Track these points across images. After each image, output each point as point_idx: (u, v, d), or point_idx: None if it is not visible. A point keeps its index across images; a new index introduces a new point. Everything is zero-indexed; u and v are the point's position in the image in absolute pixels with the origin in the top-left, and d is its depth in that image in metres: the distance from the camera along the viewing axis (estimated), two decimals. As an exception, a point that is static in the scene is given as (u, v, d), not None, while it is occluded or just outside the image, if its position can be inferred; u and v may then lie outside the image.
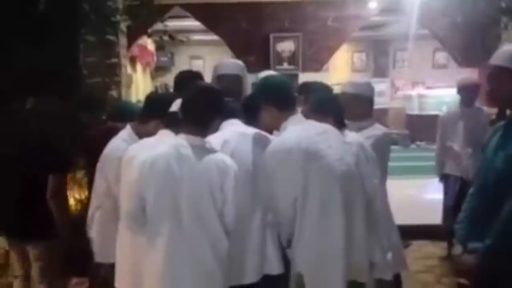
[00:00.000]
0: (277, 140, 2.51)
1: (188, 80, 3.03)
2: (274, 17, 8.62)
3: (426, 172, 7.24)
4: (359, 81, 3.65)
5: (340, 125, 2.73)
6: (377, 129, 3.27)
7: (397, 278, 3.27)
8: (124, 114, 3.36)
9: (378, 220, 2.65)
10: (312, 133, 2.45)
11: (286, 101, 2.58)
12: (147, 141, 2.61)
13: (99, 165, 3.03)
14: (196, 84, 2.51)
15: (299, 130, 2.46)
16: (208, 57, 12.94)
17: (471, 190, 2.59)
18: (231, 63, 3.62)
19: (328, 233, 2.35)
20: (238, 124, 2.71)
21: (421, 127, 10.65)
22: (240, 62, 3.59)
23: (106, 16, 3.63)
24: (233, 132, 2.60)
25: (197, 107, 2.36)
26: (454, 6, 6.07)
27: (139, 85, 10.64)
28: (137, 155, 2.41)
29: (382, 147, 3.10)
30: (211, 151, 2.36)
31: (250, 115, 2.83)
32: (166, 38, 5.94)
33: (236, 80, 3.39)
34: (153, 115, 2.81)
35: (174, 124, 2.53)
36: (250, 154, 2.54)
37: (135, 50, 9.71)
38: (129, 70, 9.78)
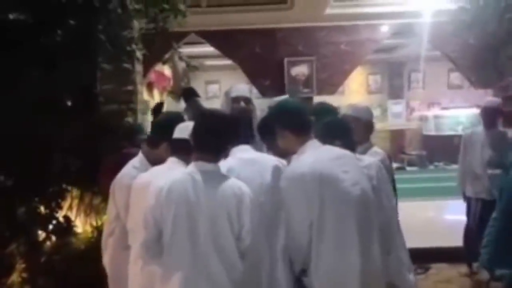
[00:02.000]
0: (292, 165, 2.52)
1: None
2: (287, 41, 8.73)
3: (445, 193, 7.20)
4: (359, 104, 3.74)
5: (349, 149, 2.76)
6: (375, 154, 3.31)
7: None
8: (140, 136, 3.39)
9: (395, 240, 2.66)
10: (327, 158, 2.48)
11: (302, 126, 2.58)
12: (157, 169, 2.64)
13: (111, 191, 3.05)
14: (207, 110, 2.50)
15: (314, 155, 2.48)
16: (224, 82, 13.08)
17: (494, 214, 2.57)
18: (243, 86, 3.77)
19: (345, 257, 2.36)
20: (246, 150, 2.67)
21: (438, 148, 10.60)
22: (247, 85, 3.74)
23: (121, 46, 3.74)
24: (237, 160, 2.58)
25: (210, 134, 2.35)
26: (465, 27, 6.09)
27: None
28: (150, 182, 2.41)
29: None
30: (226, 177, 2.36)
31: (265, 136, 2.86)
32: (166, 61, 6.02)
33: (249, 102, 3.52)
34: (162, 138, 2.79)
35: (181, 150, 2.56)
36: (256, 180, 2.51)
37: (152, 76, 9.87)
38: (146, 96, 9.98)
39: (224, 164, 2.49)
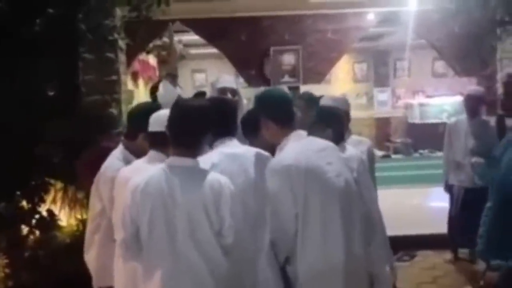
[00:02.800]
0: (277, 158, 2.51)
1: None
2: (273, 30, 8.67)
3: (430, 180, 7.24)
4: (336, 95, 3.79)
5: (339, 138, 2.76)
6: (359, 143, 3.43)
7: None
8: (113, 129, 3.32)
9: (376, 232, 2.69)
10: (311, 150, 2.48)
11: (285, 117, 2.56)
12: (138, 163, 2.61)
13: (94, 185, 2.98)
14: (180, 102, 2.39)
15: (298, 147, 2.48)
16: (211, 71, 12.99)
17: (488, 204, 2.60)
18: (230, 77, 3.75)
19: (329, 247, 2.39)
20: (230, 144, 2.61)
21: (423, 136, 10.65)
22: (234, 76, 3.73)
23: (103, 35, 3.67)
24: (220, 154, 2.51)
25: (183, 127, 2.28)
26: (450, 16, 6.10)
27: (141, 100, 10.67)
28: (130, 178, 2.37)
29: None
30: (204, 172, 2.31)
31: (248, 131, 2.83)
32: (164, 53, 5.97)
33: (235, 93, 3.51)
34: (138, 129, 2.75)
35: (159, 143, 2.52)
36: (240, 175, 2.47)
37: (136, 65, 9.77)
38: (130, 85, 9.88)
39: (207, 160, 2.43)
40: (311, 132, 2.63)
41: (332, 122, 2.81)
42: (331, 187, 2.41)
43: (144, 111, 2.71)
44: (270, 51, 8.70)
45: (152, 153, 2.57)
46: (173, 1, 5.23)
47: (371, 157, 3.54)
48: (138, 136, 2.79)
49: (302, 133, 2.58)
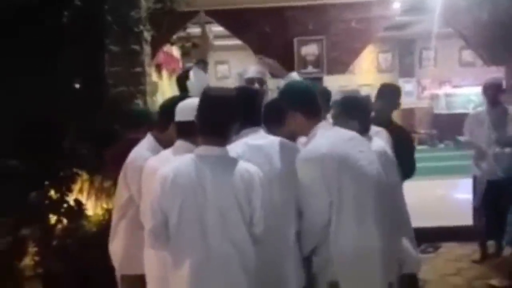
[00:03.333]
0: (308, 147, 2.52)
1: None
2: (297, 20, 8.62)
3: (455, 171, 7.15)
4: (349, 89, 3.82)
5: (364, 129, 2.77)
6: (376, 133, 3.37)
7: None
8: (141, 122, 3.33)
9: (403, 221, 2.70)
10: (342, 139, 2.52)
11: (313, 109, 2.58)
12: (164, 154, 2.62)
13: (121, 174, 3.01)
14: (208, 91, 2.38)
15: (329, 136, 2.50)
16: (233, 62, 13.01)
17: None
18: (258, 67, 3.75)
19: (364, 234, 2.43)
20: (255, 135, 2.60)
21: (449, 126, 10.48)
22: (262, 66, 3.70)
23: (129, 27, 3.69)
24: (244, 145, 2.51)
25: (213, 116, 2.28)
26: (478, 4, 5.98)
27: (165, 92, 10.76)
28: (157, 168, 2.37)
29: None
30: (234, 161, 2.31)
31: (273, 120, 2.84)
32: (188, 45, 5.99)
33: (264, 83, 3.52)
34: (169, 120, 2.75)
35: (186, 133, 2.53)
36: (265, 166, 2.46)
37: (160, 57, 9.82)
38: (154, 77, 9.95)
39: (231, 150, 2.42)
40: (335, 124, 2.64)
41: (357, 113, 2.81)
42: (364, 175, 2.45)
43: (176, 102, 2.72)
44: (294, 42, 8.65)
45: (179, 142, 2.58)
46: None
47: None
48: (169, 127, 2.80)
49: (329, 123, 2.59)
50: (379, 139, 2.95)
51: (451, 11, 8.00)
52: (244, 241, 2.24)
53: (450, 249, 5.59)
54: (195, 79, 3.33)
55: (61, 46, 3.17)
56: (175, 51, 11.28)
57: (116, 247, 3.08)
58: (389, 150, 2.94)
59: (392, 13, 8.82)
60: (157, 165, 2.45)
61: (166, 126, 2.84)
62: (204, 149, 2.28)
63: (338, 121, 2.77)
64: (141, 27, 3.89)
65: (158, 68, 10.39)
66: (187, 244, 2.21)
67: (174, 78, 12.12)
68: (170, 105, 2.83)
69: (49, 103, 3.33)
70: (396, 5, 8.65)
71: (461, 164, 5.64)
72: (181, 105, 2.60)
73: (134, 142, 3.06)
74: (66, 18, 2.94)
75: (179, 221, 2.20)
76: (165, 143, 2.83)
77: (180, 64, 12.33)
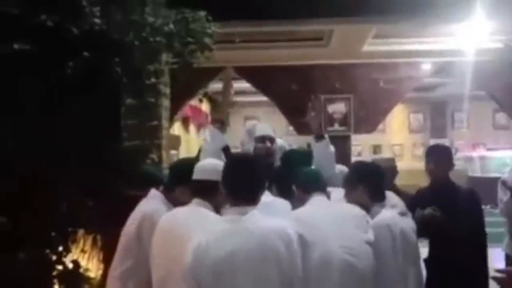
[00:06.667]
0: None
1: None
2: (324, 78, 8.57)
3: (492, 239, 6.73)
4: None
5: (376, 197, 2.58)
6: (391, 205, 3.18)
7: None
8: (150, 182, 3.20)
9: None
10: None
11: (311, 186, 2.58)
12: (182, 211, 2.51)
13: (134, 233, 2.79)
14: (239, 155, 2.47)
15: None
16: (263, 118, 13.07)
17: None
18: (267, 125, 3.65)
19: None
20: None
21: (483, 190, 10.06)
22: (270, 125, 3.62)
23: (142, 80, 3.65)
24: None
25: (246, 179, 2.21)
26: (509, 66, 5.83)
27: (192, 146, 10.77)
28: (172, 226, 2.35)
29: None
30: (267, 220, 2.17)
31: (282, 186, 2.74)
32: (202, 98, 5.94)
33: (274, 142, 3.40)
34: (179, 182, 2.73)
35: (204, 191, 2.47)
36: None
37: (188, 111, 9.91)
38: (178, 131, 9.98)
39: None
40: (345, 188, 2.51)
41: (367, 178, 2.63)
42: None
43: (186, 164, 2.73)
44: (321, 99, 8.58)
45: (196, 201, 2.48)
46: (223, 49, 5.25)
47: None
48: (176, 189, 2.76)
49: (322, 199, 2.54)
50: (390, 210, 2.68)
51: (482, 73, 7.83)
52: None
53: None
54: (211, 139, 3.22)
55: (63, 98, 3.11)
56: (204, 106, 11.40)
57: None
58: (400, 223, 2.63)
59: (422, 74, 8.72)
60: (171, 223, 2.42)
61: (173, 188, 2.80)
62: (238, 211, 2.18)
63: (348, 187, 2.61)
64: (153, 80, 3.84)
65: (185, 122, 10.46)
66: None
67: (201, 132, 12.25)
68: (180, 167, 2.82)
69: (49, 158, 3.20)
70: (426, 67, 8.55)
71: (497, 231, 5.25)
72: (200, 164, 2.59)
73: (137, 200, 2.94)
74: (70, 69, 2.89)
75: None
76: (172, 202, 2.76)
77: (209, 119, 12.43)
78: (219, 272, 2.04)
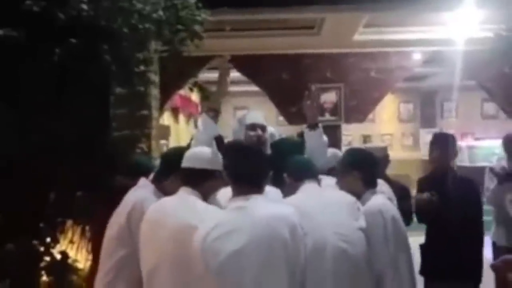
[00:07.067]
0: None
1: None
2: (315, 68, 8.54)
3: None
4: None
5: (369, 184, 2.56)
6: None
7: None
8: (141, 171, 3.16)
9: None
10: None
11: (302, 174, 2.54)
12: (169, 201, 2.45)
13: (123, 224, 2.70)
14: (237, 144, 2.48)
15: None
16: (253, 108, 13.00)
17: None
18: (259, 113, 3.57)
19: None
20: None
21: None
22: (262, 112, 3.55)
23: (131, 68, 3.58)
24: None
25: (253, 167, 2.21)
26: (500, 56, 5.83)
27: (181, 136, 10.71)
28: (160, 217, 2.30)
29: None
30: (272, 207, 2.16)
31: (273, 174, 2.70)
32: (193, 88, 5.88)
33: (265, 130, 3.34)
34: (170, 171, 2.69)
35: (193, 180, 2.43)
36: None
37: (177, 101, 9.82)
38: (168, 121, 9.91)
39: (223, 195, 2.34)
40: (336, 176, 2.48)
41: (362, 164, 2.61)
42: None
43: (177, 153, 2.67)
44: (311, 88, 8.53)
45: (185, 189, 2.44)
46: (213, 37, 5.18)
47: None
48: (168, 178, 2.72)
49: (313, 186, 2.51)
50: (381, 196, 2.66)
51: (473, 63, 7.84)
52: None
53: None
54: (203, 128, 3.16)
55: (51, 86, 3.03)
56: (194, 96, 11.31)
57: None
58: (391, 210, 2.61)
59: (412, 64, 8.72)
60: (160, 214, 2.36)
61: (166, 177, 2.75)
62: (244, 199, 2.16)
63: (342, 173, 2.58)
64: (141, 68, 3.76)
65: (175, 111, 10.38)
66: None
67: (191, 122, 12.17)
68: (172, 156, 2.76)
69: (37, 148, 3.13)
70: (417, 56, 8.56)
71: (486, 220, 5.27)
72: (190, 152, 2.55)
73: (127, 190, 2.89)
74: (57, 56, 2.82)
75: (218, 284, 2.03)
76: (163, 192, 2.70)
77: (199, 109, 12.35)
78: (228, 261, 2.00)
